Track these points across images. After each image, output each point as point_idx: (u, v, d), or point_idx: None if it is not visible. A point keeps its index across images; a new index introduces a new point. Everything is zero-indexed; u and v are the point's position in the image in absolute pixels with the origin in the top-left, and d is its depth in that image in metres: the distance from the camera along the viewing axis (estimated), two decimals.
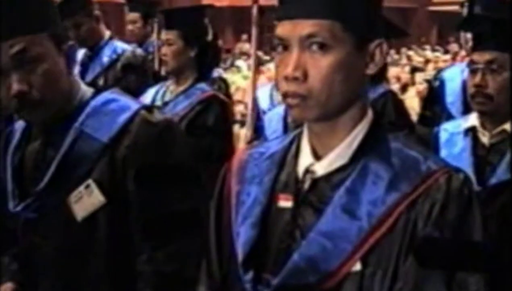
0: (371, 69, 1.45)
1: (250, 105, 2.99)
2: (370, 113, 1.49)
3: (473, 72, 2.57)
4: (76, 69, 4.31)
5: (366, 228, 1.38)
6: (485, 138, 2.62)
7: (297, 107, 1.41)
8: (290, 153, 1.52)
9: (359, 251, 1.38)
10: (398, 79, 9.71)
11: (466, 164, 2.58)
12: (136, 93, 3.80)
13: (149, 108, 1.90)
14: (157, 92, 3.70)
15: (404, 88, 9.34)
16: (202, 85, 3.59)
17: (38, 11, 1.74)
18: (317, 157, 1.47)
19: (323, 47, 1.38)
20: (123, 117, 1.81)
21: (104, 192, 1.79)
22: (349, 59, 1.40)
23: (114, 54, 4.32)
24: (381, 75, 4.26)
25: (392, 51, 15.41)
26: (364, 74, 1.44)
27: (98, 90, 1.91)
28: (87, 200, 1.78)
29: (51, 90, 1.75)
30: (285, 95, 1.42)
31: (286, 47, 1.41)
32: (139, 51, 4.57)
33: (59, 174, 1.80)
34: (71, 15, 4.19)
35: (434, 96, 3.82)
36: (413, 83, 9.59)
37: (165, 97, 3.66)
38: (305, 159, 1.49)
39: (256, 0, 2.75)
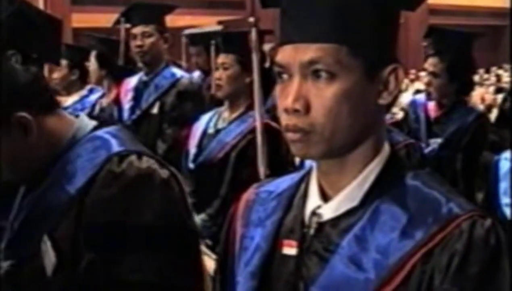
0: (385, 99, 1.27)
1: (259, 140, 2.80)
2: (386, 149, 1.31)
3: None
4: (129, 95, 4.27)
5: (375, 281, 1.20)
6: None
7: (298, 143, 1.24)
8: (298, 193, 1.36)
9: None
10: (483, 100, 9.34)
11: None
12: (192, 120, 3.74)
13: (126, 153, 1.61)
14: (210, 119, 3.59)
15: (488, 109, 8.96)
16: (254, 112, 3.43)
17: None
18: (326, 198, 1.30)
19: (327, 75, 1.21)
20: (93, 165, 1.60)
21: (63, 251, 1.57)
22: (357, 89, 1.23)
23: (172, 79, 4.23)
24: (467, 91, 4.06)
25: (482, 70, 14.92)
26: (377, 105, 1.27)
27: (101, 123, 1.72)
28: (47, 256, 1.59)
29: (16, 168, 1.63)
30: (286, 129, 1.26)
31: (287, 76, 1.26)
32: (195, 78, 4.48)
33: (29, 224, 1.64)
34: (143, 23, 4.17)
35: (503, 119, 3.56)
36: (496, 104, 9.20)
37: (218, 124, 3.55)
38: (313, 200, 1.32)
39: (255, 23, 2.59)
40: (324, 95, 1.22)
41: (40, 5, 12.02)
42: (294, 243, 1.31)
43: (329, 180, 1.30)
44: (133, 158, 1.61)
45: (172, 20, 4.70)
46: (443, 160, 3.89)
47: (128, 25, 4.32)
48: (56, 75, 5.10)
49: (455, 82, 3.87)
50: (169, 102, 4.17)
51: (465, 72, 3.92)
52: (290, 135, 1.25)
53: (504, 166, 2.46)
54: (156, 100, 4.18)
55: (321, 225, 1.29)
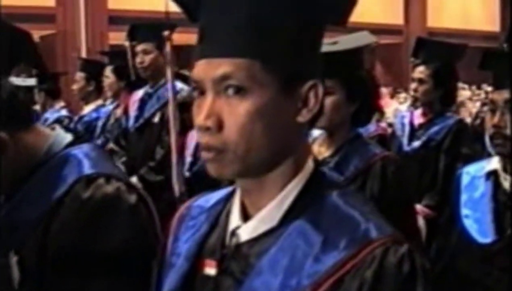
0: (304, 117, 1.06)
1: (174, 158, 2.58)
2: (308, 167, 1.09)
3: (492, 112, 2.11)
4: (135, 105, 4.16)
5: None
6: (506, 183, 2.13)
7: (213, 162, 1.04)
8: (225, 209, 1.16)
9: None
10: (470, 114, 9.09)
11: (485, 210, 2.13)
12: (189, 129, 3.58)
13: (95, 176, 1.45)
14: None
15: (474, 119, 8.66)
16: None
17: None
18: (247, 217, 1.10)
19: (240, 91, 1.01)
20: (64, 185, 1.44)
21: (29, 267, 1.41)
22: (272, 105, 1.02)
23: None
24: (451, 100, 3.87)
25: (474, 87, 14.57)
26: (296, 123, 1.06)
27: (77, 139, 1.54)
28: (13, 271, 1.42)
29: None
30: (201, 148, 1.07)
31: (202, 92, 1.06)
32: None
33: (0, 236, 1.46)
34: (143, 41, 4.09)
35: (474, 133, 3.35)
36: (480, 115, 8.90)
37: None
38: (234, 219, 1.11)
39: (169, 37, 2.41)
40: (236, 112, 1.01)
41: (82, 24, 11.89)
42: (213, 263, 1.11)
43: (250, 199, 1.10)
44: (101, 181, 1.44)
45: (188, 38, 4.54)
46: (426, 158, 3.72)
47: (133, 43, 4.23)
48: (74, 86, 5.11)
49: (439, 89, 3.71)
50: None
51: (448, 80, 3.77)
52: (204, 154, 1.06)
53: (465, 179, 2.26)
54: (158, 111, 4.07)
55: (239, 246, 1.09)
